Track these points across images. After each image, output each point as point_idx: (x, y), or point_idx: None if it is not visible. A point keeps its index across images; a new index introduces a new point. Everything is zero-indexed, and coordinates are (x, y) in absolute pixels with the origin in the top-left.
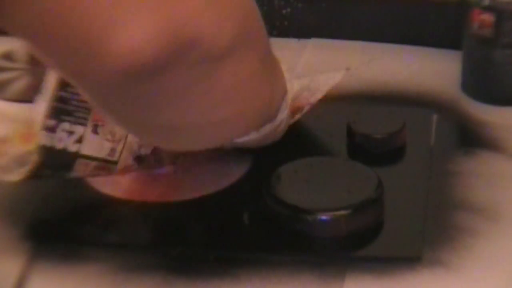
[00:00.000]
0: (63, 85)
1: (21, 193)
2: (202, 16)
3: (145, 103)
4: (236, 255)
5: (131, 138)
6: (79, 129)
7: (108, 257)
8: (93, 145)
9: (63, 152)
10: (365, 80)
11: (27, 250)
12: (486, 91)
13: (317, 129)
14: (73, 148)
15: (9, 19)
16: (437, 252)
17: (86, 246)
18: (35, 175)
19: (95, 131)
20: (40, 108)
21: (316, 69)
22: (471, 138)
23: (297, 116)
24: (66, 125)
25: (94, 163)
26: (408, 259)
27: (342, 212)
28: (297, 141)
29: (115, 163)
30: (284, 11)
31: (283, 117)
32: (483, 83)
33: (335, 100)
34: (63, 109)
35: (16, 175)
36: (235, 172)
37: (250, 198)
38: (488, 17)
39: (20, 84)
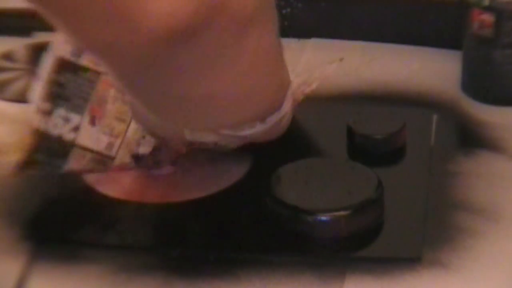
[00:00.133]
0: (60, 68)
1: (21, 193)
2: None
3: (174, 69)
4: (236, 256)
5: (130, 135)
6: (75, 118)
7: (108, 257)
8: (90, 136)
9: (59, 140)
10: (365, 80)
11: (27, 250)
12: (486, 91)
13: (317, 129)
14: (69, 136)
15: None
16: (437, 252)
17: (86, 247)
18: (30, 160)
19: (92, 122)
20: (35, 90)
21: (316, 69)
22: (471, 138)
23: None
24: (62, 111)
25: (90, 155)
26: (408, 259)
27: (342, 213)
28: (297, 141)
29: (112, 158)
30: (284, 11)
31: (287, 108)
32: (483, 83)
33: (335, 100)
34: (60, 94)
35: (12, 156)
36: (235, 172)
37: (250, 198)
38: (488, 17)
39: (20, 84)
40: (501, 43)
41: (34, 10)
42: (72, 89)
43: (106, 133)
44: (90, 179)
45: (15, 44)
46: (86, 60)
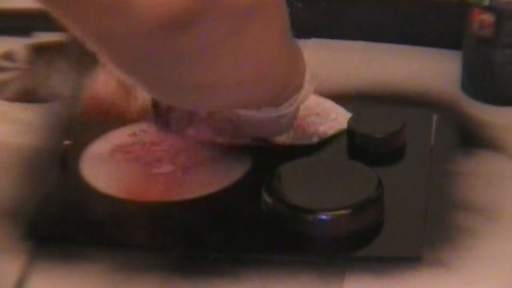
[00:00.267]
0: None
1: (21, 193)
2: None
3: (171, 59)
4: (236, 255)
5: None
6: None
7: (108, 257)
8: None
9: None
10: (365, 80)
11: (27, 250)
12: (486, 91)
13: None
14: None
15: None
16: (437, 252)
17: (86, 246)
18: None
19: None
20: None
21: (316, 69)
22: (471, 138)
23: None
24: None
25: (114, 83)
26: (408, 259)
27: (342, 212)
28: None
29: (135, 98)
30: None
31: (286, 111)
32: (483, 83)
33: (335, 100)
34: None
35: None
36: (235, 172)
37: (250, 198)
38: (488, 17)
39: (20, 84)
40: (501, 43)
41: (34, 10)
42: None
43: None
44: (90, 178)
45: (15, 44)
46: None
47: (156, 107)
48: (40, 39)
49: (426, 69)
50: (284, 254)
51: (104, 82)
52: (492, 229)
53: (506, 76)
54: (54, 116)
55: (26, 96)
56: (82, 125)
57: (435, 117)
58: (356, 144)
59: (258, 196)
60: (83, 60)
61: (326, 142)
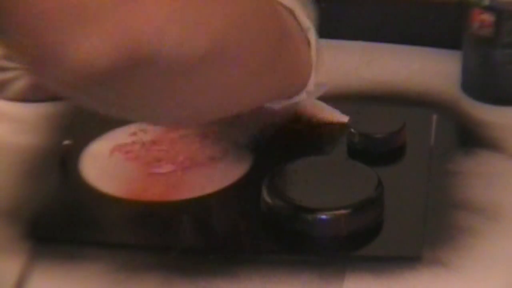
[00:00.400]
0: None
1: (21, 193)
2: (167, 31)
3: (110, 102)
4: (236, 254)
5: None
6: None
7: (108, 256)
8: None
9: None
10: (365, 80)
11: (27, 250)
12: (486, 91)
13: (317, 129)
14: None
15: None
16: (437, 251)
17: (86, 246)
18: None
19: None
20: None
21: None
22: (471, 138)
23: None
24: None
25: None
26: (408, 258)
27: (342, 212)
28: (297, 141)
29: None
30: None
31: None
32: (483, 83)
33: (335, 100)
34: None
35: None
36: (235, 172)
37: (250, 197)
38: (488, 17)
39: (20, 84)
40: (501, 43)
41: None
42: None
43: None
44: (90, 178)
45: None
46: None
47: None
48: None
49: (426, 69)
50: (284, 254)
51: None
52: (492, 228)
53: (506, 76)
54: (54, 116)
55: (26, 96)
56: (82, 125)
57: (435, 117)
58: (356, 144)
59: (258, 196)
60: None
61: (326, 142)
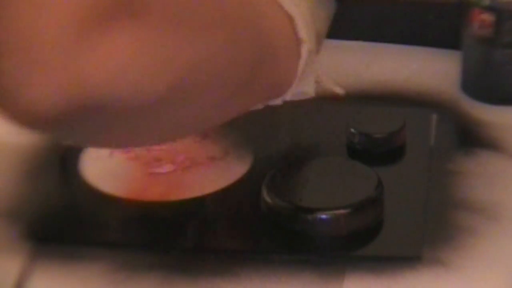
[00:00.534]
0: None
1: (21, 193)
2: (120, 78)
3: (73, 136)
4: (236, 254)
5: None
6: None
7: (108, 256)
8: None
9: None
10: (365, 80)
11: (27, 250)
12: (486, 91)
13: (317, 129)
14: None
15: None
16: (437, 251)
17: (86, 246)
18: None
19: None
20: None
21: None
22: (471, 138)
23: None
24: None
25: None
26: (408, 258)
27: (342, 211)
28: (297, 141)
29: None
30: None
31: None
32: (483, 83)
33: (335, 100)
34: None
35: None
36: (235, 172)
37: (250, 197)
38: (488, 17)
39: None
40: (501, 43)
41: None
42: None
43: None
44: (90, 177)
45: None
46: None
47: None
48: None
49: (426, 69)
50: (284, 254)
51: None
52: (492, 228)
53: (506, 76)
54: None
55: None
56: None
57: (435, 117)
58: (356, 144)
59: (258, 196)
60: None
61: (326, 142)
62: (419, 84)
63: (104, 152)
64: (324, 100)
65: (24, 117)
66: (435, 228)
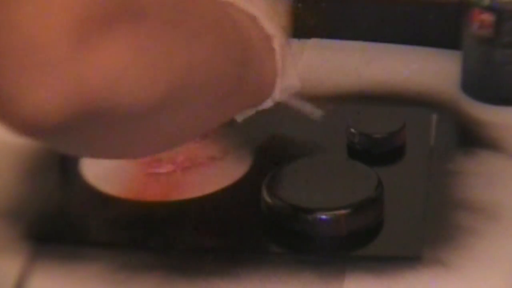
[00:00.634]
0: None
1: (21, 193)
2: (121, 82)
3: (70, 146)
4: (236, 255)
5: None
6: None
7: (108, 256)
8: None
9: None
10: (365, 80)
11: (27, 250)
12: (486, 91)
13: (317, 129)
14: None
15: None
16: (437, 251)
17: (86, 246)
18: None
19: None
20: None
21: (316, 69)
22: (471, 138)
23: None
24: None
25: None
26: (408, 258)
27: (342, 212)
28: (297, 141)
29: None
30: None
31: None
32: (483, 83)
33: (335, 100)
34: None
35: None
36: (235, 172)
37: (250, 197)
38: (488, 17)
39: None
40: (501, 43)
41: None
42: None
43: None
44: (90, 178)
45: None
46: None
47: None
48: None
49: (426, 69)
50: (284, 254)
51: None
52: (492, 228)
53: (506, 76)
54: None
55: None
56: None
57: (435, 117)
58: (356, 144)
59: (258, 196)
60: None
61: (326, 142)
62: (419, 84)
63: None
64: (324, 100)
65: (24, 124)
66: (435, 228)
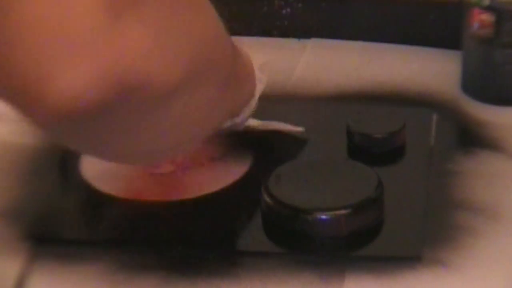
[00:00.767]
0: None
1: (21, 193)
2: (149, 59)
3: (92, 138)
4: (236, 255)
5: None
6: None
7: (108, 256)
8: None
9: None
10: (365, 80)
11: (27, 250)
12: (486, 91)
13: (317, 129)
14: None
15: None
16: (437, 251)
17: (86, 246)
18: None
19: None
20: None
21: (316, 69)
22: (471, 138)
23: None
24: None
25: None
26: (408, 258)
27: (342, 212)
28: (297, 141)
29: None
30: (284, 11)
31: (244, 118)
32: (483, 83)
33: (335, 100)
34: None
35: None
36: (235, 172)
37: (250, 198)
38: (488, 17)
39: None
40: (501, 43)
41: None
42: None
43: None
44: (90, 178)
45: None
46: None
47: None
48: None
49: (426, 69)
50: (284, 254)
51: None
52: (492, 228)
53: (506, 76)
54: None
55: None
56: None
57: (435, 117)
58: (356, 144)
59: (258, 196)
60: None
61: (326, 142)
62: (419, 84)
63: None
64: (325, 100)
65: (54, 107)
66: (435, 228)
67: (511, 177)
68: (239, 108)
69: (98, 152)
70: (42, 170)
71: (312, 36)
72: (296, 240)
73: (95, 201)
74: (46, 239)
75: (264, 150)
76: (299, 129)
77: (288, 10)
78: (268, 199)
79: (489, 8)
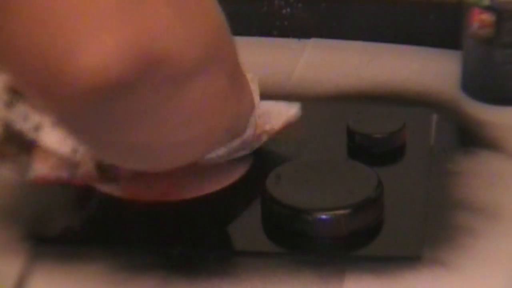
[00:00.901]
0: None
1: (21, 193)
2: (171, 33)
3: (111, 122)
4: (236, 255)
5: None
6: (35, 117)
7: (107, 256)
8: (53, 138)
9: (20, 134)
10: (365, 80)
11: (27, 250)
12: (486, 91)
13: (317, 129)
14: (30, 135)
15: None
16: (437, 251)
17: (86, 246)
18: (2, 146)
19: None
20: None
21: (316, 69)
22: (471, 138)
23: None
24: (21, 107)
25: (54, 159)
26: (408, 258)
27: (342, 212)
28: (297, 141)
29: (76, 164)
30: (284, 11)
31: (251, 131)
32: (483, 83)
33: (335, 100)
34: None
35: None
36: (235, 172)
37: (250, 198)
38: (488, 17)
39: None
40: (501, 43)
41: None
42: None
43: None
44: None
45: None
46: None
47: (103, 170)
48: None
49: (426, 69)
50: (284, 254)
51: (44, 159)
52: (492, 228)
53: (506, 76)
54: None
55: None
56: None
57: (435, 117)
58: (356, 144)
59: (258, 196)
60: None
61: (326, 142)
62: (419, 84)
63: None
64: (324, 100)
65: (80, 82)
66: (435, 228)
67: (511, 177)
68: (243, 117)
69: (110, 145)
70: None
71: (312, 36)
72: (296, 240)
73: (95, 201)
74: (46, 239)
75: (264, 150)
76: (295, 109)
77: (288, 10)
78: (268, 199)
79: (489, 8)
